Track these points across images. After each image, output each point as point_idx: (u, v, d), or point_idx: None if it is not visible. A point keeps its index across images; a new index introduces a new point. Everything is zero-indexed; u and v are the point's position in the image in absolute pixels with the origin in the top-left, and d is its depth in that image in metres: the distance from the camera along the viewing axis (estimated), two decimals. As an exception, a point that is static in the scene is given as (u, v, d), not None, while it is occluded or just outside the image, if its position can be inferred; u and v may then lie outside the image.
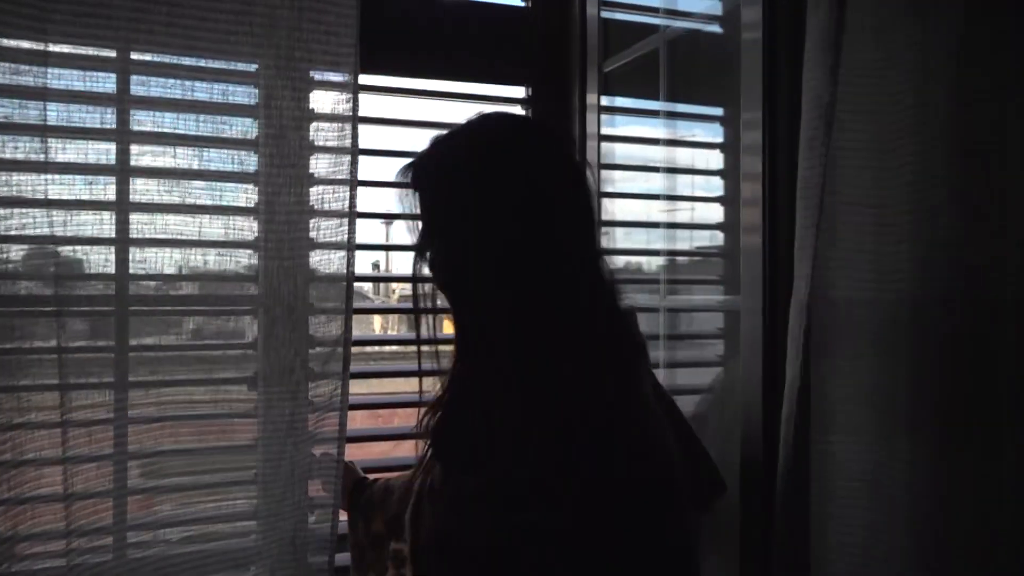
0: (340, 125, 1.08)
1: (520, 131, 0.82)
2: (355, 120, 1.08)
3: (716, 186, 1.35)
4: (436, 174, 0.80)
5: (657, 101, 1.45)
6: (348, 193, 1.09)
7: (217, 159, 1.10)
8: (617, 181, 1.64)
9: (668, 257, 1.42)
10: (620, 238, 1.62)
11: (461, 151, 0.79)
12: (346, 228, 1.09)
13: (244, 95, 1.10)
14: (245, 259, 1.11)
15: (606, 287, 0.80)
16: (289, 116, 1.07)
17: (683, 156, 1.46)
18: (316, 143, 1.10)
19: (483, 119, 0.82)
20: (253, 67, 1.11)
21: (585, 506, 0.68)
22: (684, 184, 1.46)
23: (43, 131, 0.98)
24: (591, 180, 0.83)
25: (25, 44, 0.98)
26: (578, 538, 0.68)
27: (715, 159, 1.36)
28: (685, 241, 1.43)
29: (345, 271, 1.09)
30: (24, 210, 0.98)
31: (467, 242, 0.77)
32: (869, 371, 1.03)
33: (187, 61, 1.09)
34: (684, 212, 1.45)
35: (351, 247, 1.09)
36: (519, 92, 1.63)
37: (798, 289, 0.99)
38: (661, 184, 1.48)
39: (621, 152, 1.63)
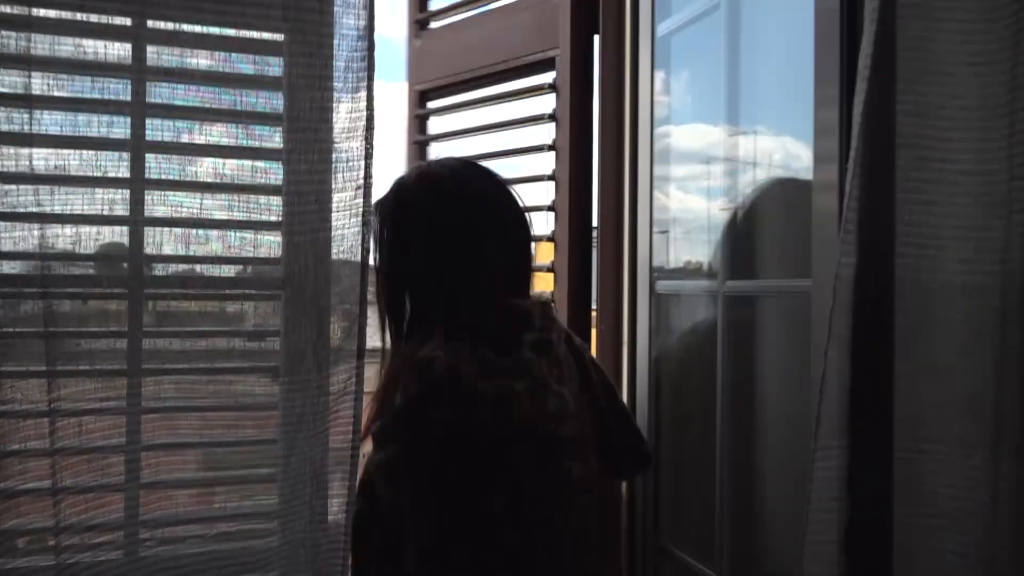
0: (355, 87, 0.96)
1: (432, 179, 1.08)
2: (371, 74, 0.96)
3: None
4: (380, 213, 1.06)
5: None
6: (363, 162, 0.97)
7: (232, 133, 1.01)
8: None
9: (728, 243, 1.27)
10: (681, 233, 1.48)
11: (392, 198, 1.06)
12: (361, 201, 0.97)
13: (249, 62, 1.01)
14: (255, 236, 1.01)
15: (500, 291, 1.05)
16: (298, 75, 0.96)
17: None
18: (328, 105, 0.98)
19: (411, 172, 1.08)
20: (262, 35, 1.01)
21: (446, 456, 0.93)
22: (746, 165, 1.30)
23: (29, 101, 0.91)
24: (504, 207, 1.08)
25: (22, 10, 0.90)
26: (433, 480, 0.93)
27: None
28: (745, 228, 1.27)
29: (360, 248, 0.97)
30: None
31: (388, 265, 1.06)
32: (971, 369, 0.87)
33: (193, 28, 1.00)
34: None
35: (366, 221, 0.97)
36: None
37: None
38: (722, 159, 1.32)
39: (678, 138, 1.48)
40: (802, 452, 1.10)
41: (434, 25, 1.95)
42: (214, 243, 0.99)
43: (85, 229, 0.95)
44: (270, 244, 1.00)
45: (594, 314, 1.65)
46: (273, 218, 1.00)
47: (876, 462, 0.91)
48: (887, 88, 0.88)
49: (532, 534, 0.98)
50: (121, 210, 0.98)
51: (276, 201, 1.03)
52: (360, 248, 0.98)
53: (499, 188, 1.11)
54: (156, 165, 1.01)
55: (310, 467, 0.97)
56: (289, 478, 0.98)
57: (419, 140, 1.93)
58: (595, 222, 1.62)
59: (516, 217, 1.11)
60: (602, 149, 1.64)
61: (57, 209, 0.92)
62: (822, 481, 0.90)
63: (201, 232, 0.99)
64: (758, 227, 1.25)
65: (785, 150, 1.21)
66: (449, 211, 1.06)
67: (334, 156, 0.99)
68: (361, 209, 0.97)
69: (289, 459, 0.97)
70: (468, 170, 1.12)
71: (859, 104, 0.85)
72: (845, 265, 0.85)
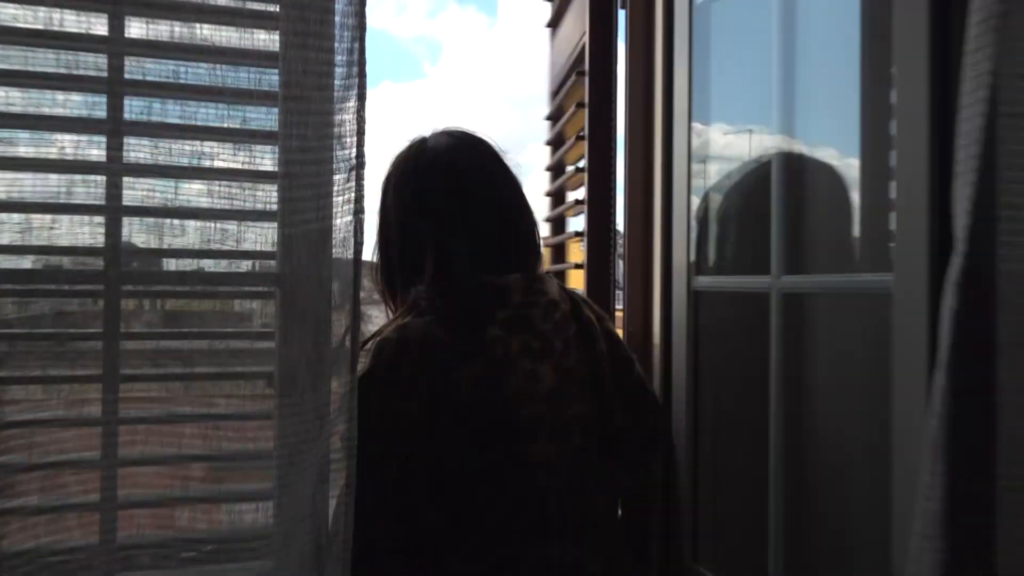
0: (348, 48, 0.80)
1: (412, 158, 1.12)
2: (362, 34, 0.80)
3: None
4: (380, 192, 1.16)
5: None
6: (355, 137, 0.81)
7: (211, 112, 0.86)
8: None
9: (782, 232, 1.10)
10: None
11: (384, 178, 1.15)
12: (353, 184, 0.81)
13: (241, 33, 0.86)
14: (239, 229, 0.86)
15: (472, 268, 1.06)
16: (291, 31, 0.80)
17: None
18: (325, 69, 0.82)
19: (404, 147, 1.16)
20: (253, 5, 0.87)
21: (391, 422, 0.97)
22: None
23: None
24: (484, 185, 1.11)
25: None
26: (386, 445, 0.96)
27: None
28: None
29: (352, 241, 0.82)
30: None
31: (376, 246, 1.15)
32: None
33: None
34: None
35: (359, 210, 0.81)
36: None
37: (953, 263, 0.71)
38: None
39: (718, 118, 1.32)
40: (877, 474, 0.94)
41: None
42: (192, 235, 0.84)
43: (38, 218, 0.81)
44: (256, 238, 0.84)
45: (619, 313, 1.52)
46: (259, 206, 0.84)
47: (976, 492, 0.76)
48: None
49: (464, 518, 0.97)
50: (83, 196, 0.83)
51: (270, 188, 0.88)
52: (352, 241, 0.82)
53: (485, 165, 1.10)
54: (136, 148, 0.86)
55: (302, 509, 0.82)
56: (283, 524, 0.83)
57: (550, 141, 1.96)
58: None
59: (501, 194, 1.10)
60: (630, 134, 1.49)
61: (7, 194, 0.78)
62: (918, 516, 0.75)
63: (177, 222, 0.84)
64: (821, 217, 1.09)
65: (849, 131, 1.05)
66: (419, 192, 1.08)
67: (324, 130, 0.83)
68: (354, 195, 0.82)
69: (281, 502, 0.82)
70: (454, 148, 1.10)
71: (980, 58, 0.68)
72: (959, 255, 0.70)
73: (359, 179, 0.80)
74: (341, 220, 0.82)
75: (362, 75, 0.80)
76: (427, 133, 1.15)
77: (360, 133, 0.80)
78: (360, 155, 0.80)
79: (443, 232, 1.07)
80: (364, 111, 0.79)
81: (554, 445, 1.01)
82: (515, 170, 1.15)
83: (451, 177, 1.08)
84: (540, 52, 2.13)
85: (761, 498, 1.09)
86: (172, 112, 0.82)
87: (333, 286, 0.83)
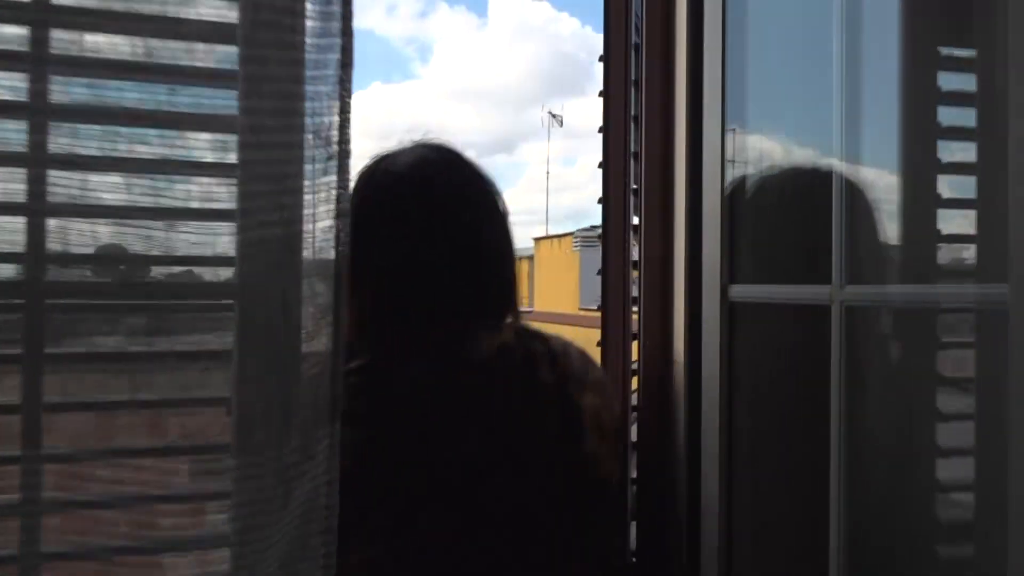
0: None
1: (376, 178, 1.00)
2: None
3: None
4: None
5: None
6: (336, 117, 0.61)
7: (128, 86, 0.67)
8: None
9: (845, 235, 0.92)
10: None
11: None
12: (335, 178, 0.62)
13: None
14: (187, 236, 0.67)
15: (405, 319, 0.96)
16: None
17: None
18: (290, 21, 0.62)
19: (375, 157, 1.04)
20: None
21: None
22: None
23: None
24: (447, 216, 0.99)
25: None
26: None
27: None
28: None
29: (334, 252, 0.63)
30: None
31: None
32: None
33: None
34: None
35: (342, 212, 0.62)
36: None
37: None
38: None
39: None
40: (982, 535, 0.78)
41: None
42: (105, 239, 0.65)
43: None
44: (189, 245, 0.64)
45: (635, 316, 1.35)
46: (193, 204, 0.64)
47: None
48: None
49: None
50: (45, 196, 0.64)
51: (209, 180, 0.68)
52: (334, 252, 0.63)
53: (453, 192, 0.99)
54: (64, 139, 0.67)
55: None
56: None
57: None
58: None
59: (466, 228, 0.98)
60: (647, 120, 1.32)
61: None
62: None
63: (87, 226, 0.64)
64: (898, 216, 0.91)
65: (936, 118, 0.88)
66: (369, 221, 0.94)
67: (302, 107, 0.63)
68: (335, 193, 0.62)
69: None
70: (420, 169, 0.99)
71: None
72: None
73: (342, 173, 0.60)
74: (316, 225, 0.62)
75: (347, 32, 0.59)
76: (412, 144, 1.04)
77: (343, 112, 0.59)
78: (343, 141, 0.60)
79: (378, 280, 0.96)
80: (349, 83, 0.59)
81: (464, 516, 0.92)
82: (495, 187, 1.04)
83: (416, 210, 0.98)
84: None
85: (820, 559, 0.91)
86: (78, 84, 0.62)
87: (305, 310, 0.64)
